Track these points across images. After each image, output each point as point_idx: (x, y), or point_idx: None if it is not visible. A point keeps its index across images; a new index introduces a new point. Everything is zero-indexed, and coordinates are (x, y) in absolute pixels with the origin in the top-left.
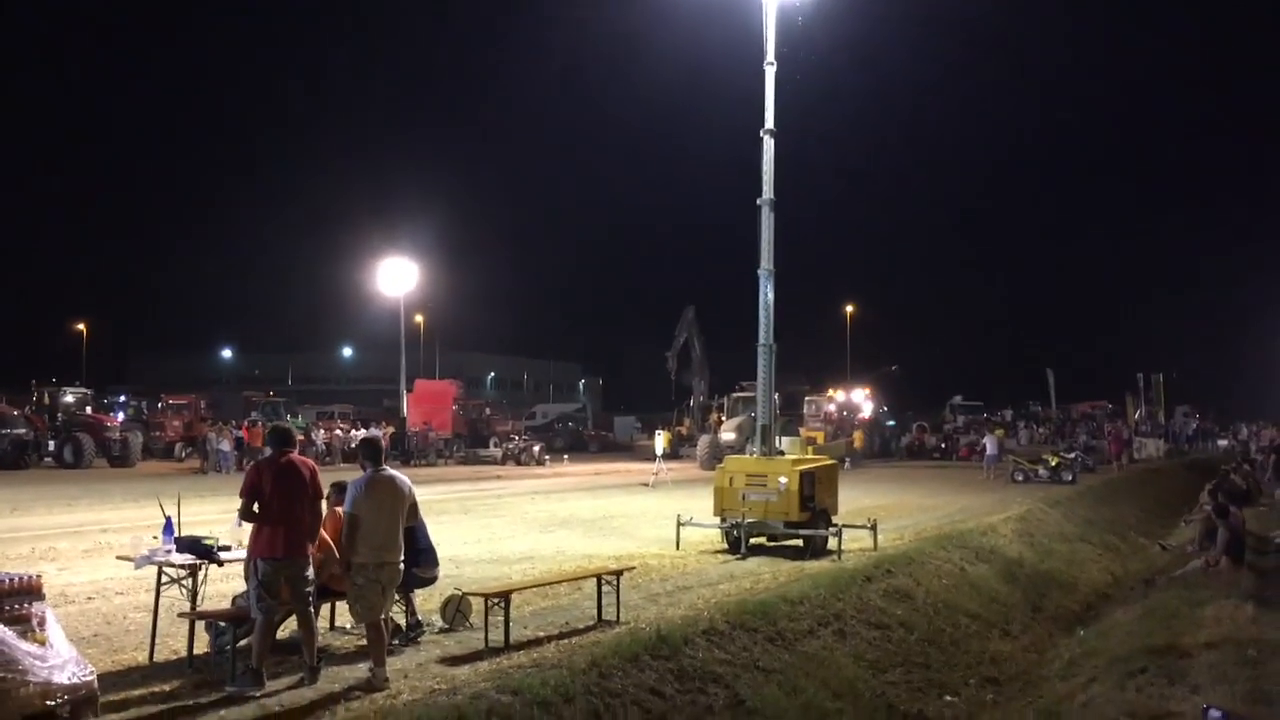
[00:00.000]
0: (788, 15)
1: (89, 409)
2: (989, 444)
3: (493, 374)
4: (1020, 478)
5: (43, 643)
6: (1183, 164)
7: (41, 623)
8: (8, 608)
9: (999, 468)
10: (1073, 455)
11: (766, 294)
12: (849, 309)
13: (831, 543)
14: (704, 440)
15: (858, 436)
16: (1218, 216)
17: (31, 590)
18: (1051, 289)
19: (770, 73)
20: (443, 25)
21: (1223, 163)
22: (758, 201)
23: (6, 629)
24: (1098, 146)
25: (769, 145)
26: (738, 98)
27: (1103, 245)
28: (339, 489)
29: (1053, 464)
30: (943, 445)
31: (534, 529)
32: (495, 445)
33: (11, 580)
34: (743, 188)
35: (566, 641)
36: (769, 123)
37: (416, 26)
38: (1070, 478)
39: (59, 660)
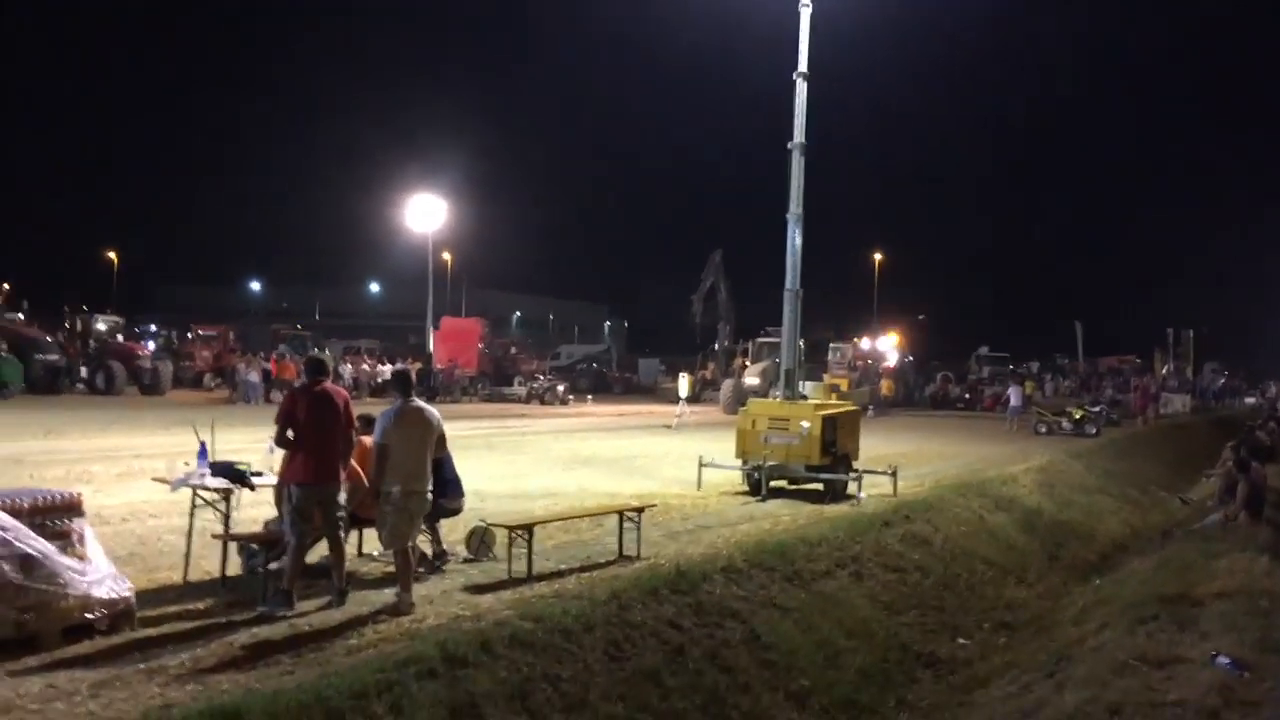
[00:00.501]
0: None
1: (121, 337)
2: (1013, 395)
3: (518, 313)
4: (1043, 429)
5: (83, 558)
6: (1225, 117)
7: (81, 539)
8: (49, 523)
9: (1023, 419)
10: (1097, 408)
11: (795, 239)
12: (877, 257)
13: (851, 487)
14: (728, 384)
15: (887, 384)
16: (1255, 171)
17: (72, 507)
18: (1085, 242)
19: (805, 14)
20: None
21: (1265, 118)
22: (789, 145)
23: (48, 543)
24: (1133, 98)
25: (802, 89)
26: (770, 36)
27: (1138, 199)
28: (367, 421)
29: (1077, 416)
30: (967, 395)
31: (557, 466)
32: (520, 384)
33: (53, 497)
34: (773, 130)
35: (588, 575)
36: (802, 65)
37: None
38: (1094, 430)
39: (98, 575)
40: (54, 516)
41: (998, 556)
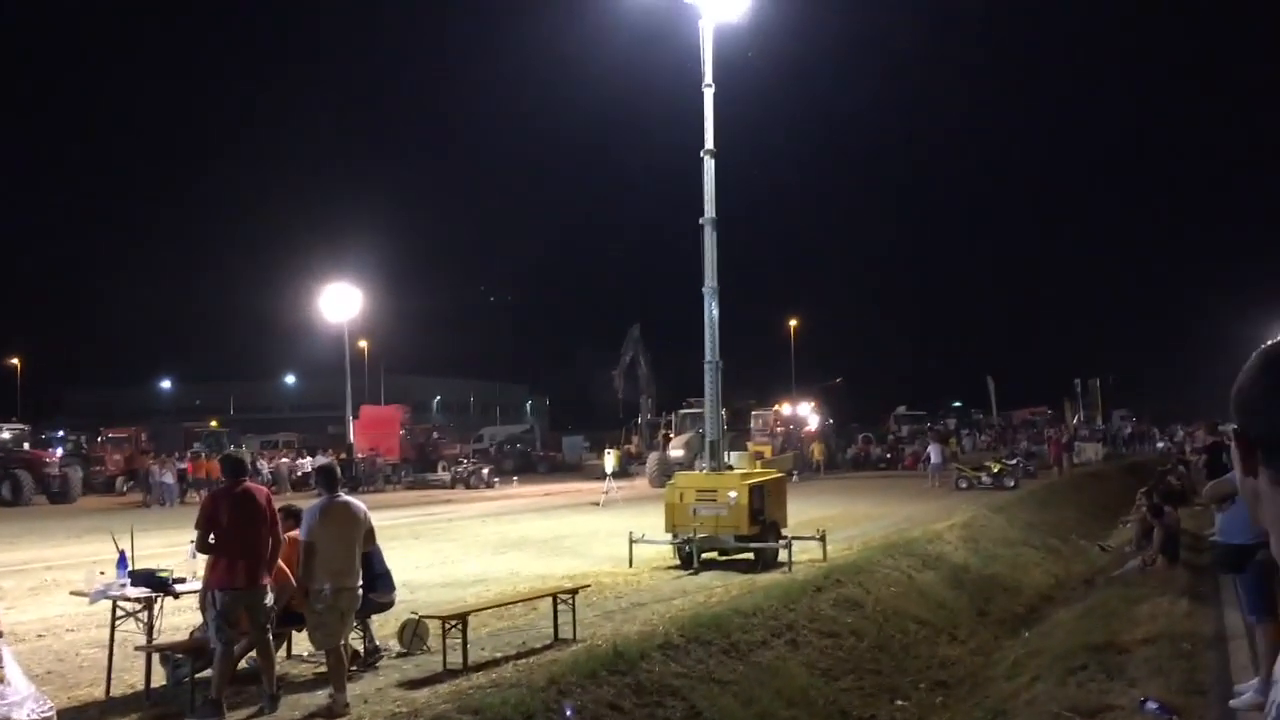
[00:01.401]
0: (724, 37)
1: (26, 445)
2: (933, 452)
3: (438, 397)
4: (964, 485)
5: (1, 680)
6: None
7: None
8: None
9: (943, 475)
10: (1014, 461)
11: (711, 311)
12: (792, 323)
13: (782, 555)
14: (653, 457)
15: (817, 448)
16: (1153, 222)
17: None
18: (989, 298)
19: (709, 94)
20: (380, 48)
21: (1156, 169)
22: (700, 221)
23: None
24: (1028, 155)
25: (709, 165)
26: (679, 115)
27: (1038, 253)
28: (291, 515)
29: (995, 470)
30: (888, 455)
31: (486, 551)
32: (444, 469)
33: None
34: (685, 205)
35: (524, 661)
36: (709, 143)
37: (353, 49)
38: (1012, 483)
39: (18, 697)
40: None
41: (929, 615)
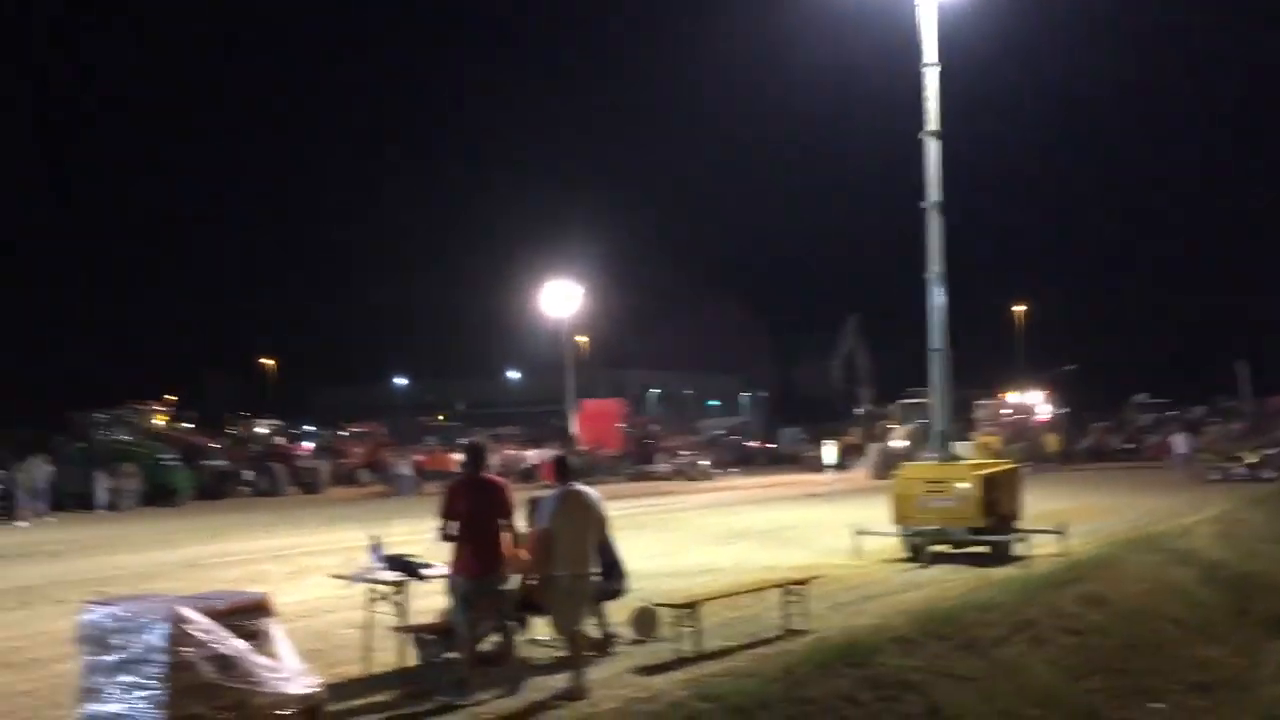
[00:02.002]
0: (946, 16)
1: (280, 440)
2: (1179, 442)
3: (656, 390)
4: (1216, 476)
5: (274, 656)
6: None
7: (271, 637)
8: (242, 624)
9: (1191, 467)
10: (1272, 450)
11: (936, 298)
12: (1020, 308)
13: (1018, 548)
14: (874, 449)
15: (1053, 439)
16: None
17: (262, 607)
18: (1242, 279)
19: (931, 74)
20: (595, 40)
21: None
22: (922, 204)
23: (244, 643)
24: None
25: (932, 148)
26: (892, 100)
27: None
28: (533, 506)
29: (1251, 461)
30: (1128, 445)
31: (710, 542)
32: (663, 461)
33: (245, 598)
34: (905, 190)
35: (756, 651)
36: (931, 124)
37: (571, 42)
38: (1271, 475)
39: (289, 672)
40: (246, 617)
41: (1182, 613)
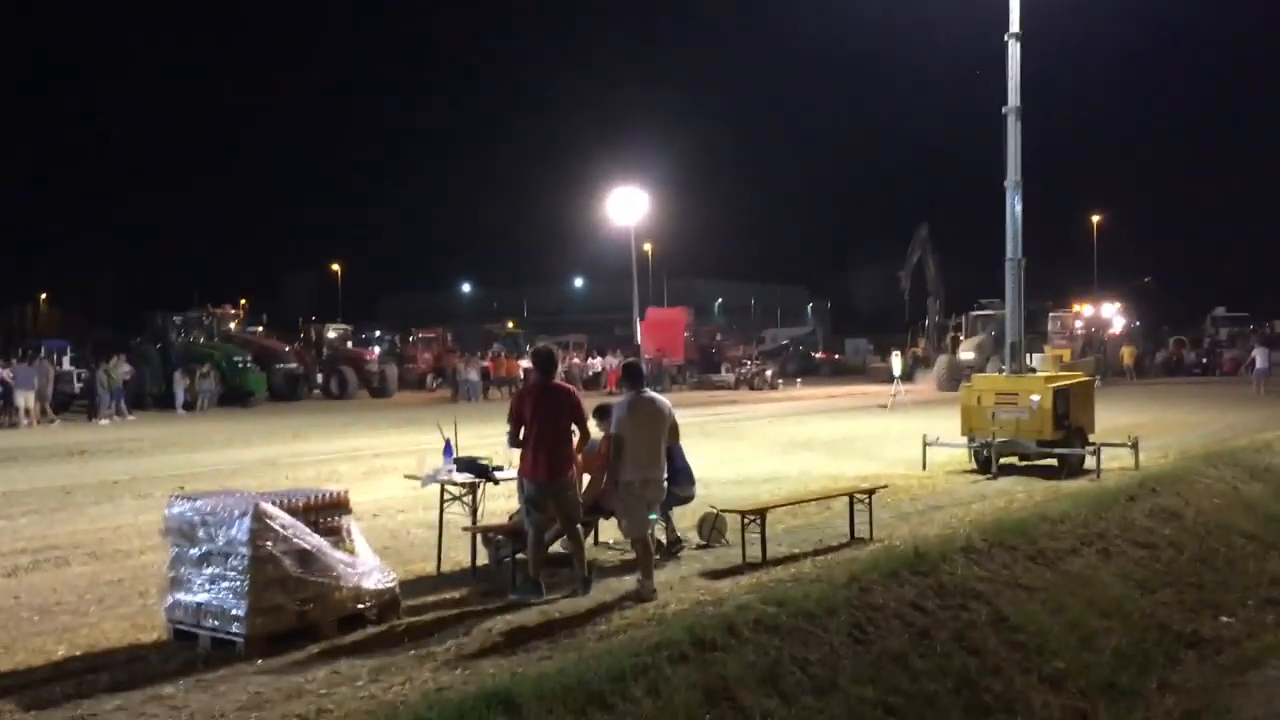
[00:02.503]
0: None
1: (350, 344)
2: (1259, 357)
3: (720, 300)
4: None
5: (352, 552)
6: None
7: (349, 534)
8: (322, 520)
9: (1270, 382)
10: None
11: (1014, 207)
12: (1095, 219)
13: (1089, 462)
14: (942, 360)
15: (1128, 351)
16: None
17: (340, 505)
18: None
19: None
20: None
21: None
22: (1003, 110)
23: (323, 539)
24: None
25: (1014, 50)
26: (970, 4)
27: None
28: (602, 412)
29: None
30: (1204, 360)
31: (775, 450)
32: (727, 370)
33: (324, 495)
34: (973, 98)
35: (822, 558)
36: (1014, 26)
37: None
38: None
39: (366, 568)
40: (325, 514)
41: (1257, 529)
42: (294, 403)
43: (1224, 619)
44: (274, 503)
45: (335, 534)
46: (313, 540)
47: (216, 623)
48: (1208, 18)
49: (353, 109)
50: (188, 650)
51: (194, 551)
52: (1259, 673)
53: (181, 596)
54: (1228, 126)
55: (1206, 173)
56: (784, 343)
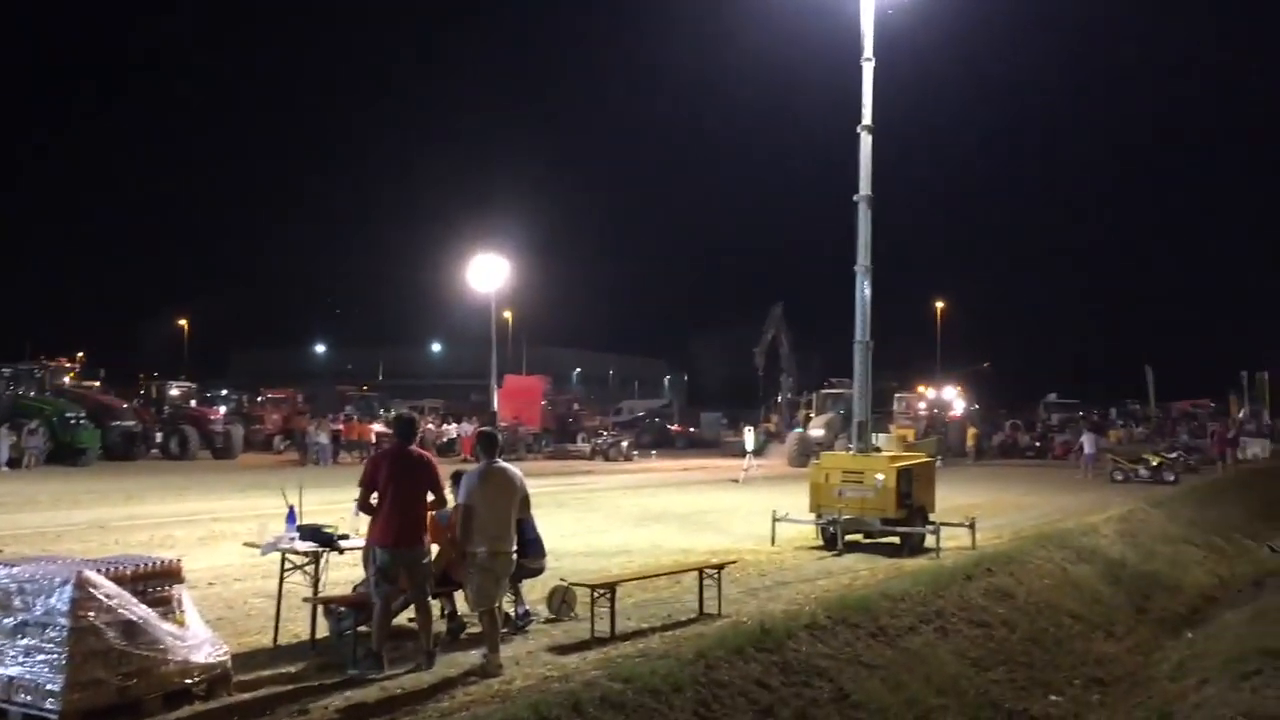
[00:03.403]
0: (883, 12)
1: (193, 402)
2: (1086, 442)
3: (579, 369)
4: (1120, 477)
5: (182, 624)
6: None
7: (180, 604)
8: (151, 590)
9: (1097, 467)
10: (1174, 454)
11: (863, 291)
12: (938, 305)
13: (929, 540)
14: (793, 436)
15: (971, 433)
16: None
17: (172, 573)
18: (1149, 285)
19: (868, 69)
20: (530, 22)
21: None
22: (854, 198)
23: (150, 610)
24: (1195, 138)
25: (866, 141)
26: (829, 95)
27: (1201, 240)
28: (456, 479)
29: (1154, 463)
30: (1037, 444)
31: (628, 523)
32: (583, 440)
33: (154, 563)
34: (828, 185)
35: (670, 633)
36: (866, 119)
37: (503, 22)
38: (1172, 478)
39: (196, 640)
40: (155, 583)
41: (1083, 610)
42: (130, 462)
43: (1053, 697)
44: (99, 570)
45: (165, 604)
46: (139, 611)
47: (29, 698)
48: (1047, 120)
49: (215, 159)
50: None
51: (8, 621)
52: None
53: None
54: (1067, 224)
55: (1042, 266)
56: (640, 414)
